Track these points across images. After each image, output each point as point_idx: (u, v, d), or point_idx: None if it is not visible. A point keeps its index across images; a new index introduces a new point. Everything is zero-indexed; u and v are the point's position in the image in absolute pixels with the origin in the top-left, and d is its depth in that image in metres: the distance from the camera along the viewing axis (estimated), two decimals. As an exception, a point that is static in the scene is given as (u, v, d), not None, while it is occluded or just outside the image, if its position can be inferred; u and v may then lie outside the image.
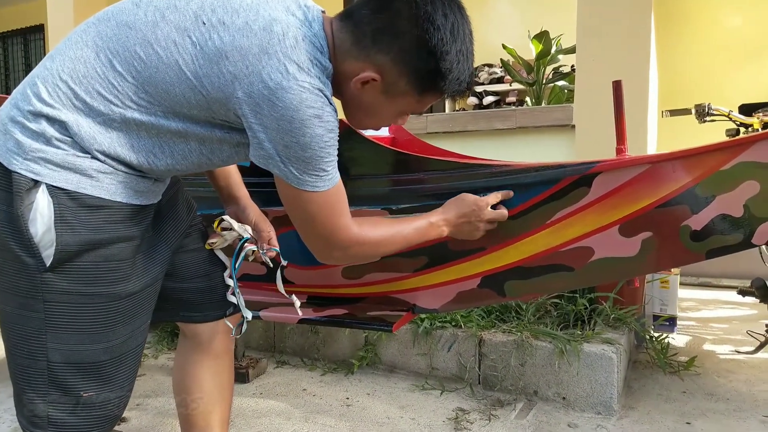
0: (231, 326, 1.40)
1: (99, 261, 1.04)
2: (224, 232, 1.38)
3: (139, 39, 1.01)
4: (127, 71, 1.01)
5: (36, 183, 0.99)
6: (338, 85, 1.09)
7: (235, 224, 1.37)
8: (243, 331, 1.42)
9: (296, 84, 0.97)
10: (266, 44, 0.98)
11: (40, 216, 0.99)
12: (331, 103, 1.03)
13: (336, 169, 1.09)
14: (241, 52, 0.98)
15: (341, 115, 1.12)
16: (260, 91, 0.97)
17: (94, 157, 1.02)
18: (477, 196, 1.37)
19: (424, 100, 1.13)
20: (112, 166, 1.04)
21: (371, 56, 1.05)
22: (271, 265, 1.44)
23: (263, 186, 1.54)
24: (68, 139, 1.00)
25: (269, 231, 1.44)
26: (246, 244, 1.38)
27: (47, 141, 1.00)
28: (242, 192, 1.46)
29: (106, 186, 1.03)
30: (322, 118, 1.00)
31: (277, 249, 1.43)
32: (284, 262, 1.45)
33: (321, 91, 1.01)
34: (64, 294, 1.02)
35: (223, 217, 1.39)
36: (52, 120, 1.00)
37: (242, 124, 1.03)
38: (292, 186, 1.05)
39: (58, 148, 1.00)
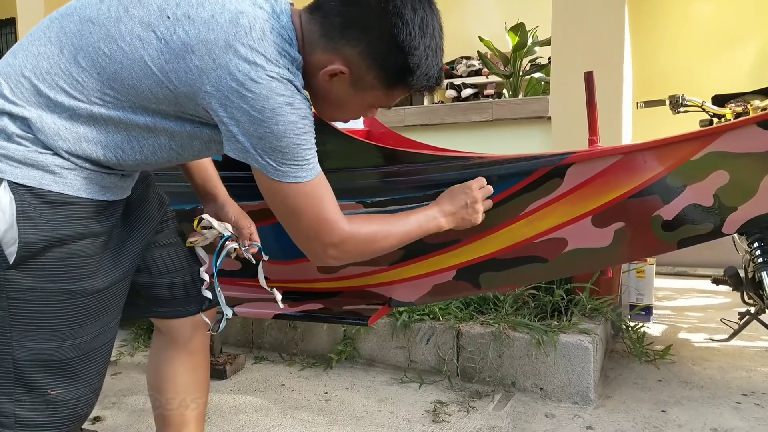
0: (208, 321, 1.39)
1: (64, 258, 1.02)
2: (204, 231, 1.37)
3: (102, 35, 0.99)
4: (91, 67, 0.99)
5: None
6: (307, 77, 1.08)
7: (215, 223, 1.36)
8: (221, 328, 1.40)
9: (264, 74, 0.96)
10: (232, 37, 0.96)
11: (2, 213, 0.96)
12: (300, 92, 1.02)
13: (316, 159, 1.06)
14: (207, 46, 0.96)
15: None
16: (228, 84, 0.96)
17: (56, 154, 1.00)
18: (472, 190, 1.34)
19: (393, 94, 1.12)
20: (76, 164, 1.02)
21: (339, 49, 1.04)
22: (254, 262, 1.42)
23: (236, 180, 1.52)
24: (30, 135, 0.98)
25: (249, 227, 1.43)
26: (227, 242, 1.36)
27: (8, 138, 0.98)
28: (220, 189, 1.44)
29: (70, 182, 1.01)
30: (293, 105, 0.99)
31: (259, 245, 1.42)
32: (265, 258, 1.44)
33: (290, 81, 1.00)
34: (28, 291, 1.00)
35: (202, 216, 1.38)
36: (14, 117, 0.98)
37: (212, 119, 1.01)
38: (273, 179, 1.03)
39: (19, 144, 0.98)
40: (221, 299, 1.38)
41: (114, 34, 0.99)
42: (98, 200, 1.06)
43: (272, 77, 0.97)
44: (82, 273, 1.05)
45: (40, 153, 0.99)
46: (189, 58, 0.97)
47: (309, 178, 1.05)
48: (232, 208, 1.43)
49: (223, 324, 1.41)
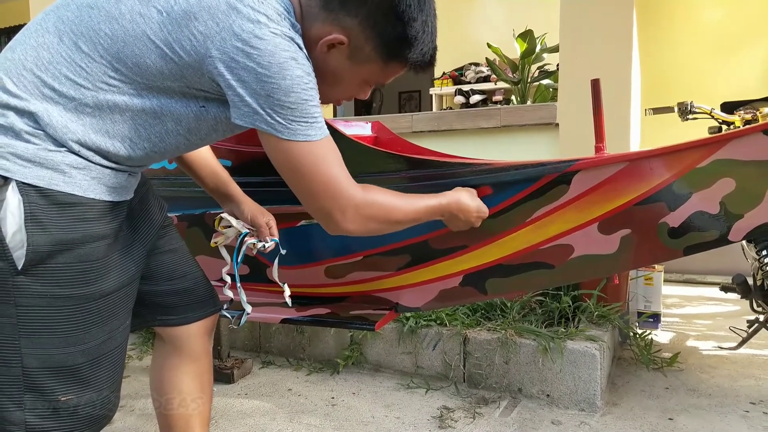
0: (229, 317, 1.45)
1: (73, 262, 1.01)
2: (225, 230, 1.45)
3: (102, 17, 0.99)
4: (94, 50, 0.98)
5: (6, 180, 0.95)
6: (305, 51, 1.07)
7: (233, 221, 1.44)
8: (242, 322, 1.48)
9: (268, 30, 0.97)
10: (234, 0, 0.97)
11: (11, 215, 0.95)
12: (302, 50, 1.02)
13: (323, 119, 1.06)
14: (210, 11, 0.97)
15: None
16: (233, 44, 0.96)
17: (69, 150, 0.99)
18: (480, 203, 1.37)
19: (389, 68, 1.13)
20: (87, 158, 1.01)
21: (339, 19, 1.05)
22: (281, 251, 1.50)
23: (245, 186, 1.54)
24: (40, 132, 0.97)
25: (268, 221, 1.47)
26: (246, 238, 1.44)
27: (16, 135, 0.97)
28: (233, 188, 1.47)
29: (79, 182, 1.00)
30: (297, 60, 0.99)
31: (276, 240, 1.47)
32: (283, 252, 1.51)
33: (292, 39, 1.00)
34: (37, 297, 0.99)
35: (221, 215, 1.45)
36: (20, 112, 0.97)
37: (218, 90, 1.01)
38: (283, 139, 1.02)
39: (29, 142, 0.97)
40: (242, 296, 1.45)
41: (114, 14, 0.99)
42: (105, 201, 1.05)
43: (276, 33, 0.97)
44: (90, 277, 1.04)
45: (50, 151, 0.98)
46: (192, 25, 0.97)
47: (319, 137, 1.04)
48: (248, 205, 1.47)
49: (244, 319, 1.49)
